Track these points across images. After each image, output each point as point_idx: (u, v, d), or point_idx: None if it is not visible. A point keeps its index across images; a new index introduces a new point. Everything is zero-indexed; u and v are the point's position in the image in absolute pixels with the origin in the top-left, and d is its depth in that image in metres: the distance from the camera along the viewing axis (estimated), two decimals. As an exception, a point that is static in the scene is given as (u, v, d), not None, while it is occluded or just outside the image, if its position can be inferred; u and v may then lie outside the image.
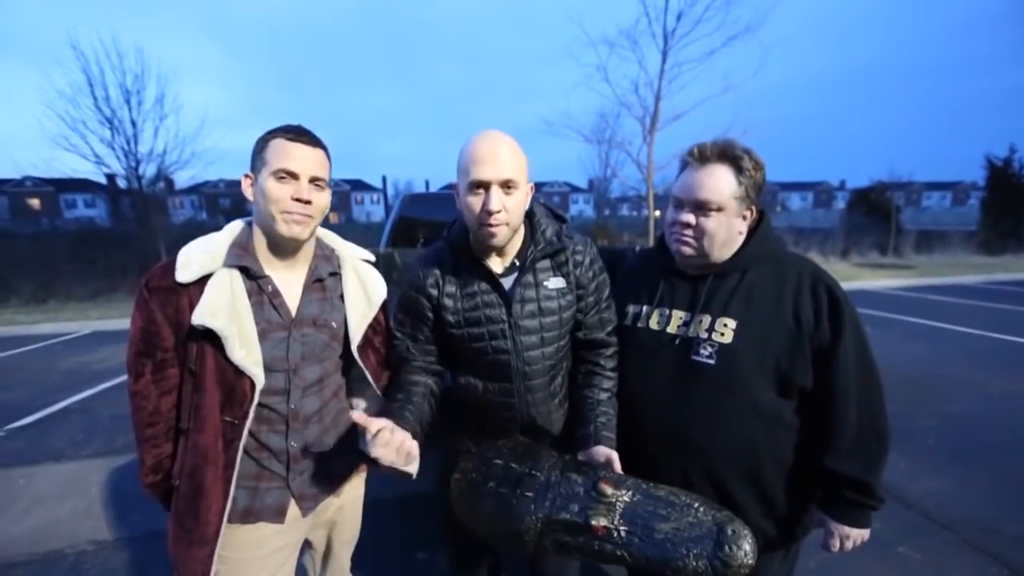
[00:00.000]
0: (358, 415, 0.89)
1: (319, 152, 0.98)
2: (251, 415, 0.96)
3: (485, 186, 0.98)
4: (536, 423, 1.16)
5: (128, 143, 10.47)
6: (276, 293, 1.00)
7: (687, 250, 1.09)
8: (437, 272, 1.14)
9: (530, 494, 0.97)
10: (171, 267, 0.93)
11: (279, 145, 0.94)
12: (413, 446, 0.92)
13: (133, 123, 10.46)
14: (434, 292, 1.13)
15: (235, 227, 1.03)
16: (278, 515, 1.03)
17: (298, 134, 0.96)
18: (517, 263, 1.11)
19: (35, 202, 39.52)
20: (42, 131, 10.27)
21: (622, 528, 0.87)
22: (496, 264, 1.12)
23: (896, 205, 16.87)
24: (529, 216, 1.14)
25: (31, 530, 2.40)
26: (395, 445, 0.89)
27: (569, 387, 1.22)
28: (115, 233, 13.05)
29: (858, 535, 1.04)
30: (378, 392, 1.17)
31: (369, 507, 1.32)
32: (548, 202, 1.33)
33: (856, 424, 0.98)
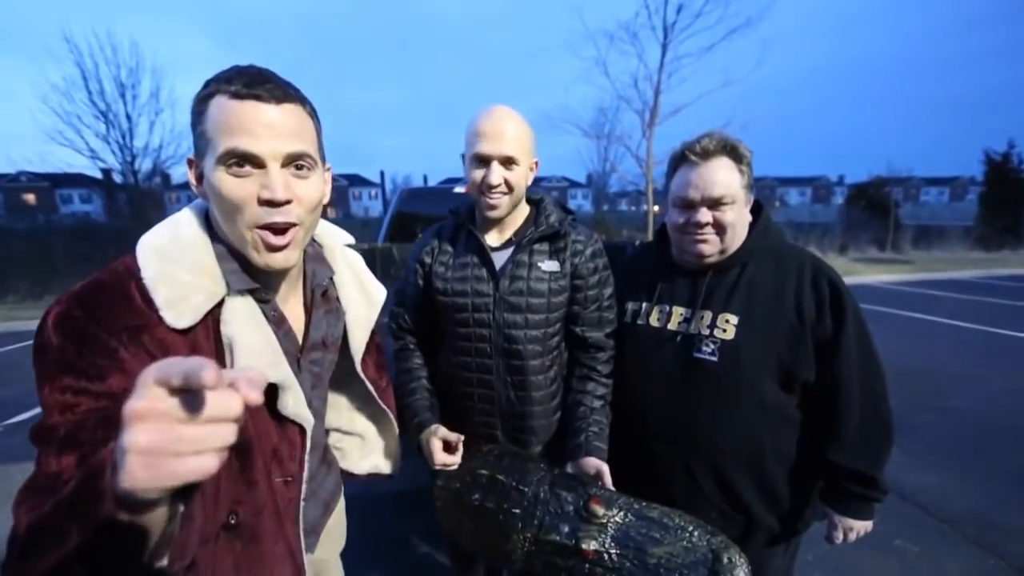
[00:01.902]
0: (439, 446, 1.02)
1: (290, 109, 0.63)
2: (307, 463, 0.75)
3: (486, 161, 1.03)
4: (514, 409, 1.13)
5: (123, 137, 10.45)
6: (282, 319, 0.74)
7: (708, 249, 1.06)
8: (435, 241, 1.20)
9: (517, 511, 0.94)
10: (143, 300, 0.59)
11: (223, 109, 0.59)
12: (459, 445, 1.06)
13: (128, 117, 10.43)
14: (428, 259, 1.18)
15: (199, 230, 0.68)
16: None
17: (250, 84, 0.59)
18: (514, 239, 1.13)
19: (30, 197, 39.24)
20: (36, 125, 10.25)
21: (613, 551, 0.84)
22: (494, 238, 1.14)
23: (895, 200, 16.88)
24: (536, 203, 1.18)
25: (29, 526, 2.39)
26: (457, 454, 1.05)
27: (564, 390, 1.19)
28: (111, 228, 12.94)
29: (861, 527, 1.04)
30: (383, 406, 0.97)
31: (369, 504, 1.31)
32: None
33: (859, 417, 0.98)
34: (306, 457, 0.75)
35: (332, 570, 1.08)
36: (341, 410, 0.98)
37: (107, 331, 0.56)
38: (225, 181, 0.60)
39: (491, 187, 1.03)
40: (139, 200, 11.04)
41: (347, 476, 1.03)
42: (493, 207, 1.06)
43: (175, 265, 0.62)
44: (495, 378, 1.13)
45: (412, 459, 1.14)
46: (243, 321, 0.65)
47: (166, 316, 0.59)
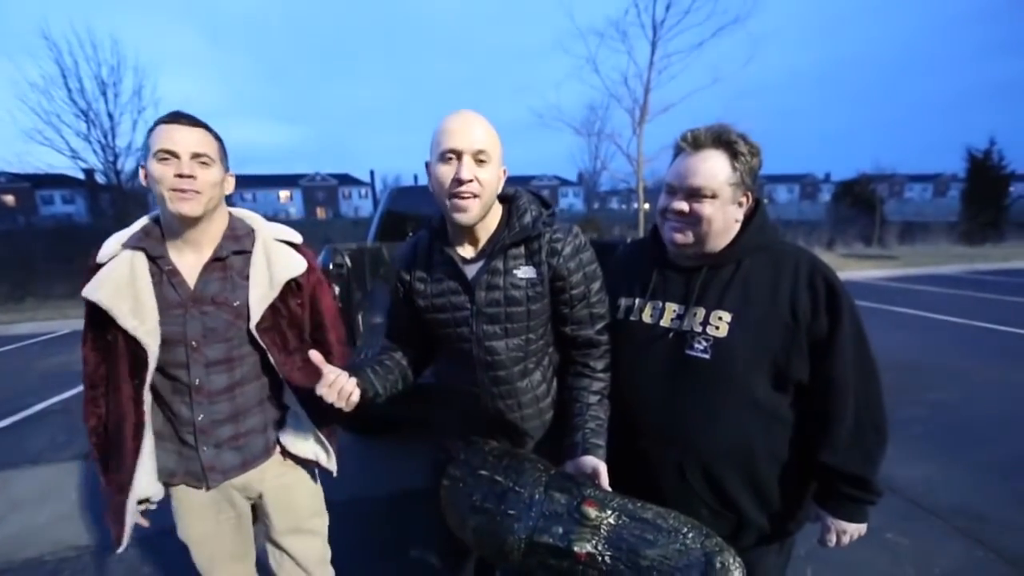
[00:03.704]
0: (315, 355, 0.97)
1: (198, 131, 1.03)
2: (148, 380, 1.05)
3: (457, 155, 0.96)
4: (504, 417, 1.11)
5: (105, 137, 10.23)
6: (175, 272, 1.08)
7: (681, 238, 1.05)
8: (412, 257, 1.16)
9: (513, 512, 0.94)
10: (98, 258, 1.07)
11: (159, 130, 1.01)
12: (354, 392, 0.99)
13: (110, 116, 10.21)
14: (406, 276, 1.15)
15: (148, 217, 1.13)
16: (196, 480, 1.14)
17: (175, 117, 1.02)
18: (488, 249, 1.07)
19: (10, 199, 38.29)
20: (14, 124, 9.95)
21: (607, 554, 0.83)
22: (468, 250, 1.09)
23: (880, 197, 17.15)
24: (511, 200, 1.10)
25: (8, 537, 2.33)
26: (337, 387, 0.97)
27: (558, 387, 1.17)
28: (94, 230, 12.69)
29: (855, 529, 1.03)
30: (281, 377, 1.15)
31: (359, 505, 1.29)
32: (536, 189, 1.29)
33: (854, 418, 0.97)
34: (147, 375, 1.04)
35: (289, 549, 1.27)
36: (271, 385, 1.19)
37: (84, 272, 1.06)
38: (156, 167, 1.00)
39: (461, 183, 0.95)
40: (122, 201, 10.79)
41: (292, 458, 1.22)
42: (463, 209, 0.98)
43: (113, 237, 1.09)
44: (482, 391, 1.10)
45: (406, 462, 1.12)
46: (114, 266, 1.04)
47: (98, 258, 1.06)
